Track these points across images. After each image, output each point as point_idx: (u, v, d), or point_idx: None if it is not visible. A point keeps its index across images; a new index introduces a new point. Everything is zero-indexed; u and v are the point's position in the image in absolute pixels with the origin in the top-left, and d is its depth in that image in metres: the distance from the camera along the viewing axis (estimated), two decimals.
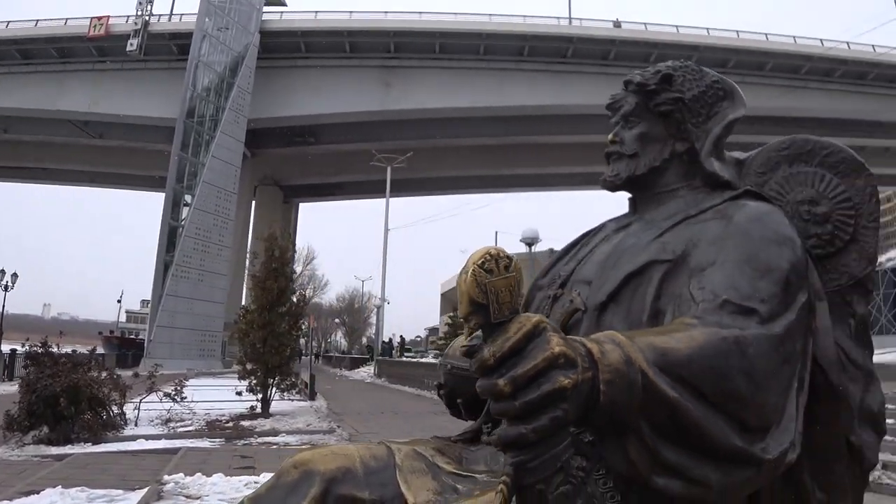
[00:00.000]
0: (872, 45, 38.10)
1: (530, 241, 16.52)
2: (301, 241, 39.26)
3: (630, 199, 1.64)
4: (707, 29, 35.71)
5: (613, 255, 1.43)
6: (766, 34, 36.60)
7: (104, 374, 9.41)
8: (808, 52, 36.50)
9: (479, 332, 0.91)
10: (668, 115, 1.52)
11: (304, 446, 8.83)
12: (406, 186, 42.13)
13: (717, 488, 1.02)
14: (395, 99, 34.90)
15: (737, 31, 36.26)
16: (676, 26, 35.17)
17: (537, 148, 39.25)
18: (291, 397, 13.12)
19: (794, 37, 37.14)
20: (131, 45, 34.60)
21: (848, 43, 37.56)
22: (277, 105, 34.60)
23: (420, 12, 34.72)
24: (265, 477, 5.57)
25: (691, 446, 1.00)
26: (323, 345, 73.99)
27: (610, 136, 1.59)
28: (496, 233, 47.70)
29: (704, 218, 1.38)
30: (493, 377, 0.87)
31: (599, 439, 1.01)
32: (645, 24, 34.73)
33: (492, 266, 0.88)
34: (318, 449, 1.43)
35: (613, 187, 1.58)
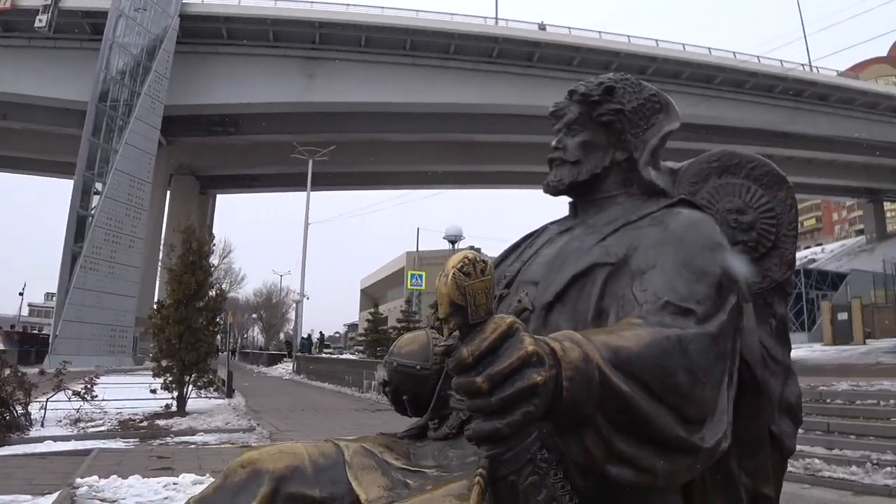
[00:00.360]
0: (780, 60, 40.44)
1: (453, 239, 16.48)
2: (217, 234, 38.02)
3: (571, 204, 1.72)
4: (628, 36, 36.90)
5: (559, 258, 1.50)
6: (683, 44, 38.15)
7: (7, 371, 8.86)
8: (722, 64, 38.29)
9: (455, 333, 0.94)
10: (610, 125, 1.62)
11: (223, 445, 8.64)
12: (328, 180, 41.56)
13: (663, 475, 1.10)
14: (319, 91, 34.31)
15: (656, 41, 37.61)
16: (599, 32, 36.21)
17: (463, 146, 39.55)
18: (209, 395, 12.78)
19: (709, 48, 38.89)
20: (40, 21, 32.40)
21: (758, 57, 39.64)
22: (196, 92, 33.41)
23: (347, 4, 34.30)
24: (185, 478, 5.44)
25: (641, 437, 1.07)
26: (239, 341, 72.21)
27: (553, 143, 1.67)
28: (418, 229, 48.10)
29: (643, 224, 1.46)
30: (471, 375, 0.92)
31: (559, 432, 1.06)
32: (569, 28, 35.60)
33: (469, 270, 0.93)
34: (265, 447, 1.42)
35: (556, 192, 1.67)
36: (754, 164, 1.68)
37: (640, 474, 1.08)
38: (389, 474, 1.38)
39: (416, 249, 39.83)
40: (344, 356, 34.01)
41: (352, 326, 79.23)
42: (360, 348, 32.95)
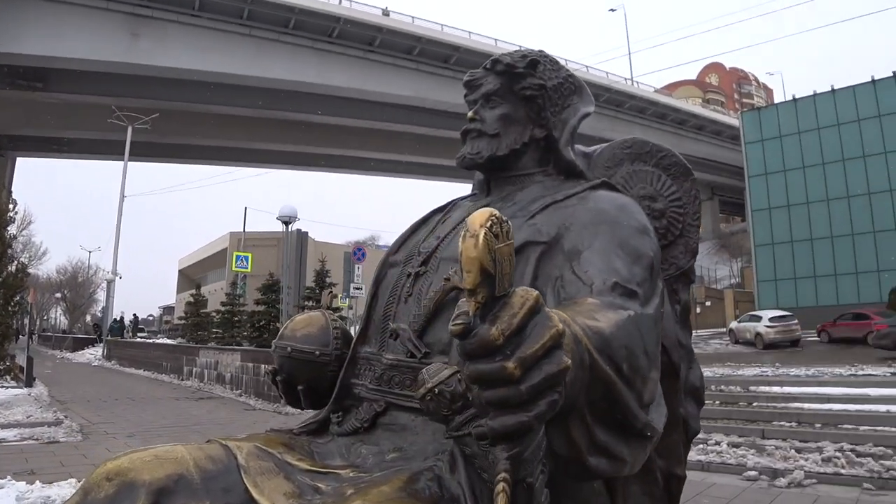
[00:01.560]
0: (606, 72, 43.62)
1: (287, 220, 15.78)
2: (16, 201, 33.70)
3: (483, 180, 1.66)
4: (469, 32, 37.75)
5: None
6: (520, 46, 39.57)
7: None
8: None
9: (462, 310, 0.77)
10: (531, 99, 1.56)
11: (25, 442, 7.70)
12: (149, 151, 38.48)
13: (630, 462, 1.05)
14: (144, 52, 31.44)
15: (495, 39, 38.70)
16: (442, 25, 36.69)
17: (297, 125, 38.26)
18: (5, 384, 11.34)
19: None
20: None
21: (587, 66, 42.31)
22: (2, 38, 29.27)
23: None
24: None
25: (614, 424, 1.00)
26: (39, 323, 65.26)
27: (470, 114, 1.59)
28: (245, 209, 45.92)
29: (571, 203, 1.43)
30: (498, 359, 0.75)
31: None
32: (413, 17, 35.71)
33: (498, 230, 0.78)
34: (136, 453, 1.18)
35: (473, 165, 1.58)
36: (664, 153, 1.74)
37: (614, 463, 1.02)
38: (294, 478, 1.23)
39: (242, 230, 38.12)
40: (161, 341, 31.91)
41: (167, 309, 74.64)
42: (178, 332, 31.07)
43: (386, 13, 35.17)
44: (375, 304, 1.57)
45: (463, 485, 1.16)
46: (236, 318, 22.67)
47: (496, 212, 0.79)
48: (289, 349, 1.57)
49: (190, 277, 54.93)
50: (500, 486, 0.79)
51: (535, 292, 0.80)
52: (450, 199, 1.75)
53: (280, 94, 34.32)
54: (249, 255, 24.65)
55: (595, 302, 1.10)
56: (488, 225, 0.76)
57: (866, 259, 30.58)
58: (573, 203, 1.42)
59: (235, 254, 25.44)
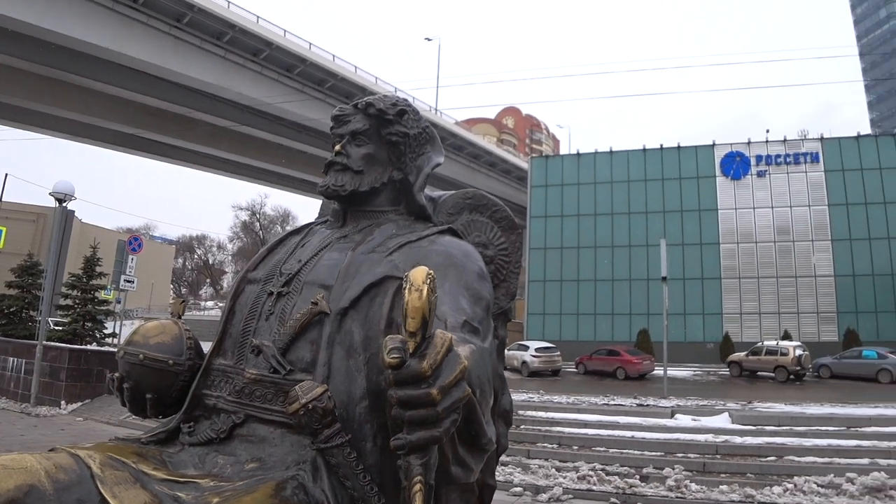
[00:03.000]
0: (413, 97, 44.57)
1: (62, 197, 13.77)
2: None
3: (339, 210, 1.80)
4: (284, 31, 36.62)
5: (353, 266, 1.54)
6: (333, 55, 39.41)
7: None
8: (363, 84, 40.56)
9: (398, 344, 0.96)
10: (395, 145, 1.75)
11: None
12: None
13: (475, 471, 1.22)
14: None
15: (310, 43, 37.99)
16: (257, 17, 35.21)
17: (80, 90, 34.19)
18: None
19: (355, 66, 40.94)
20: None
21: (395, 87, 43.04)
22: None
23: None
24: None
25: (469, 439, 1.16)
26: None
27: (338, 147, 1.75)
28: (6, 175, 39.91)
29: (423, 245, 1.61)
30: (424, 386, 0.94)
31: None
32: (229, 2, 33.87)
33: (434, 286, 0.97)
34: None
35: (335, 196, 1.73)
36: (497, 208, 1.99)
37: (466, 472, 1.19)
38: (151, 488, 1.22)
39: None
40: None
41: None
42: None
43: None
44: (233, 318, 1.62)
45: (327, 492, 1.29)
46: None
47: (430, 270, 0.98)
48: (141, 356, 1.55)
49: None
50: (418, 486, 0.97)
51: (450, 335, 0.99)
52: (304, 223, 1.90)
53: (63, 52, 30.60)
54: (3, 230, 21.52)
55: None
56: (428, 282, 0.96)
57: (621, 302, 34.43)
58: (425, 245, 1.60)
59: None
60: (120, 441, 1.47)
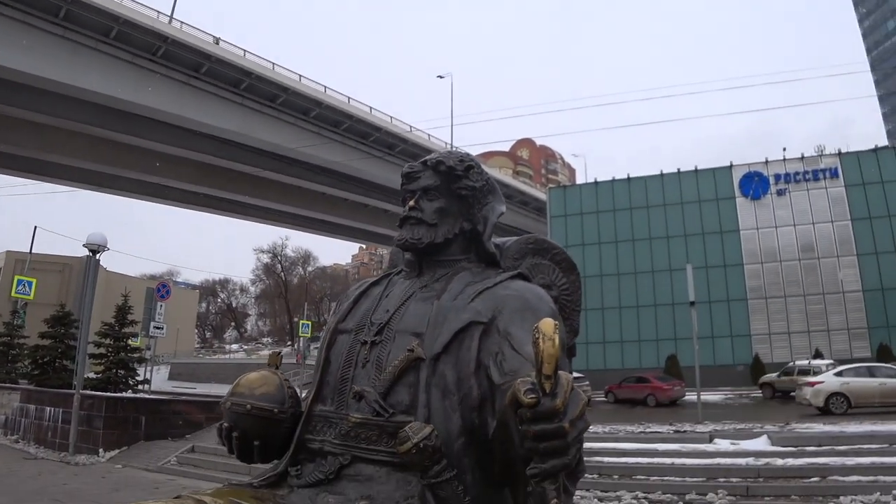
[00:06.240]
0: (428, 135, 45.18)
1: (95, 249, 14.09)
2: None
3: (414, 261, 1.89)
4: (300, 76, 37.35)
5: (441, 314, 1.64)
6: (348, 97, 40.13)
7: None
8: (379, 125, 41.22)
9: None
10: (464, 198, 1.87)
11: None
12: None
13: (573, 494, 1.38)
14: None
15: (325, 87, 38.78)
16: (273, 63, 36.04)
17: (103, 143, 34.95)
18: None
19: (370, 107, 41.50)
20: None
21: (411, 126, 43.69)
22: None
23: None
24: None
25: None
26: None
27: (412, 202, 1.85)
28: (35, 227, 40.74)
29: (499, 291, 1.69)
30: (556, 421, 1.06)
31: None
32: (244, 50, 34.74)
33: (560, 335, 1.10)
34: None
35: (413, 248, 1.84)
36: (556, 251, 2.09)
37: (569, 497, 1.33)
38: None
39: (29, 251, 33.91)
40: None
41: None
42: None
43: (217, 41, 33.96)
44: (329, 367, 1.73)
45: None
46: (13, 352, 19.94)
47: (557, 322, 1.11)
48: (248, 406, 1.65)
49: None
50: None
51: (570, 375, 1.11)
52: (382, 274, 2.01)
53: (91, 108, 31.45)
54: (34, 281, 21.92)
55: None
56: (556, 331, 1.08)
57: (647, 328, 34.11)
58: (500, 291, 1.69)
59: (17, 277, 22.48)
60: (235, 486, 1.58)
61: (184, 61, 33.13)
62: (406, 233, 1.83)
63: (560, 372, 1.09)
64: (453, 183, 1.85)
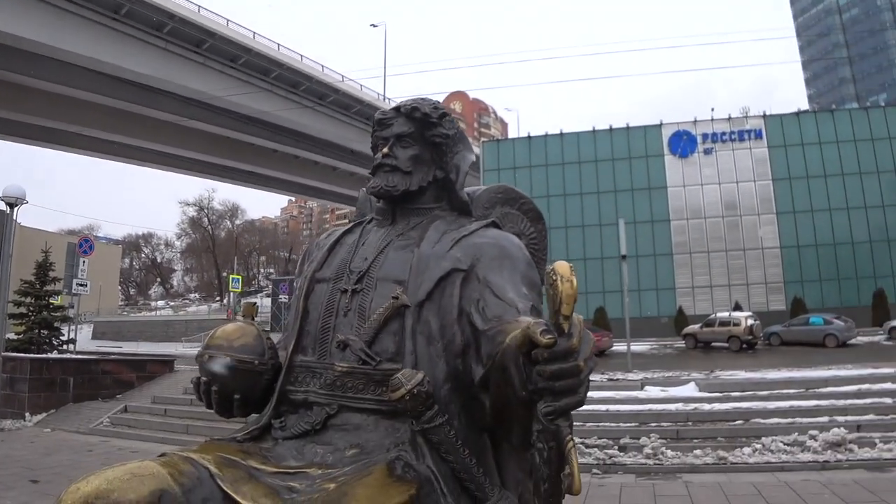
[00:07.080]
0: (361, 84, 44.11)
1: (13, 202, 13.20)
2: None
3: (388, 209, 1.89)
4: (227, 20, 35.58)
5: (422, 261, 1.64)
6: (278, 44, 38.72)
7: None
8: (309, 73, 39.89)
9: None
10: (438, 146, 1.86)
11: None
12: None
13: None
14: None
15: (253, 32, 37.21)
16: (199, 6, 34.24)
17: (11, 87, 32.79)
18: None
19: (301, 55, 40.07)
20: None
21: (343, 76, 42.56)
22: None
23: None
24: None
25: None
26: None
27: (385, 150, 1.82)
28: None
29: (475, 239, 1.72)
30: (572, 360, 1.07)
31: None
32: None
33: (576, 276, 1.12)
34: (108, 472, 1.20)
35: (388, 196, 1.82)
36: (524, 200, 2.13)
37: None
38: (265, 481, 1.32)
39: None
40: None
41: None
42: None
43: None
44: (307, 316, 1.71)
45: (432, 467, 1.42)
46: None
47: (571, 264, 1.12)
48: (228, 359, 1.59)
49: None
50: (571, 443, 1.11)
51: (581, 317, 1.12)
52: (353, 222, 1.98)
53: (2, 50, 29.22)
54: None
55: (531, 319, 1.41)
56: (573, 273, 1.10)
57: (593, 281, 34.55)
58: (476, 239, 1.71)
59: None
60: (219, 441, 1.54)
61: (102, 2, 31.12)
62: (380, 180, 1.80)
63: (575, 314, 1.10)
64: (427, 130, 1.83)
